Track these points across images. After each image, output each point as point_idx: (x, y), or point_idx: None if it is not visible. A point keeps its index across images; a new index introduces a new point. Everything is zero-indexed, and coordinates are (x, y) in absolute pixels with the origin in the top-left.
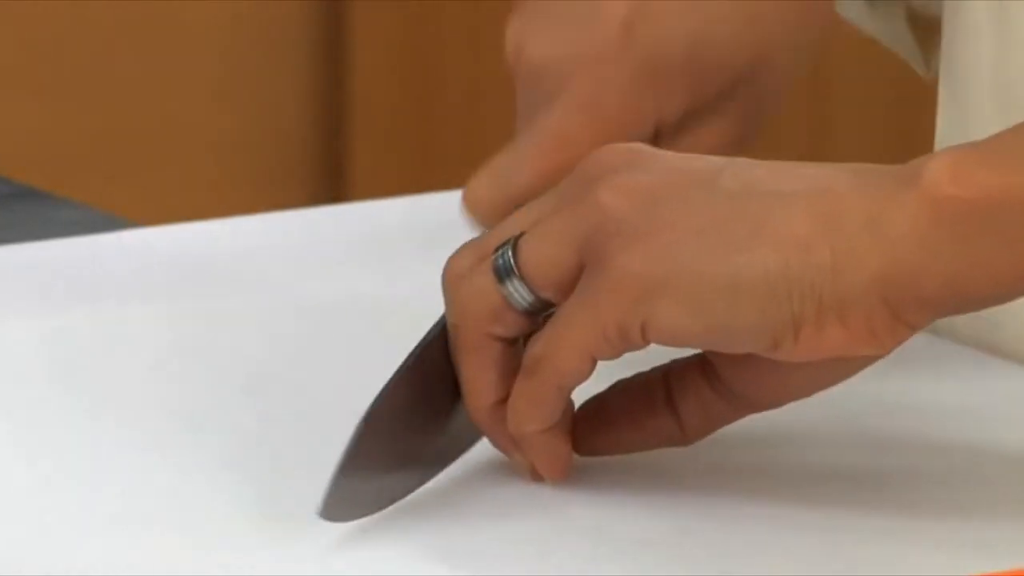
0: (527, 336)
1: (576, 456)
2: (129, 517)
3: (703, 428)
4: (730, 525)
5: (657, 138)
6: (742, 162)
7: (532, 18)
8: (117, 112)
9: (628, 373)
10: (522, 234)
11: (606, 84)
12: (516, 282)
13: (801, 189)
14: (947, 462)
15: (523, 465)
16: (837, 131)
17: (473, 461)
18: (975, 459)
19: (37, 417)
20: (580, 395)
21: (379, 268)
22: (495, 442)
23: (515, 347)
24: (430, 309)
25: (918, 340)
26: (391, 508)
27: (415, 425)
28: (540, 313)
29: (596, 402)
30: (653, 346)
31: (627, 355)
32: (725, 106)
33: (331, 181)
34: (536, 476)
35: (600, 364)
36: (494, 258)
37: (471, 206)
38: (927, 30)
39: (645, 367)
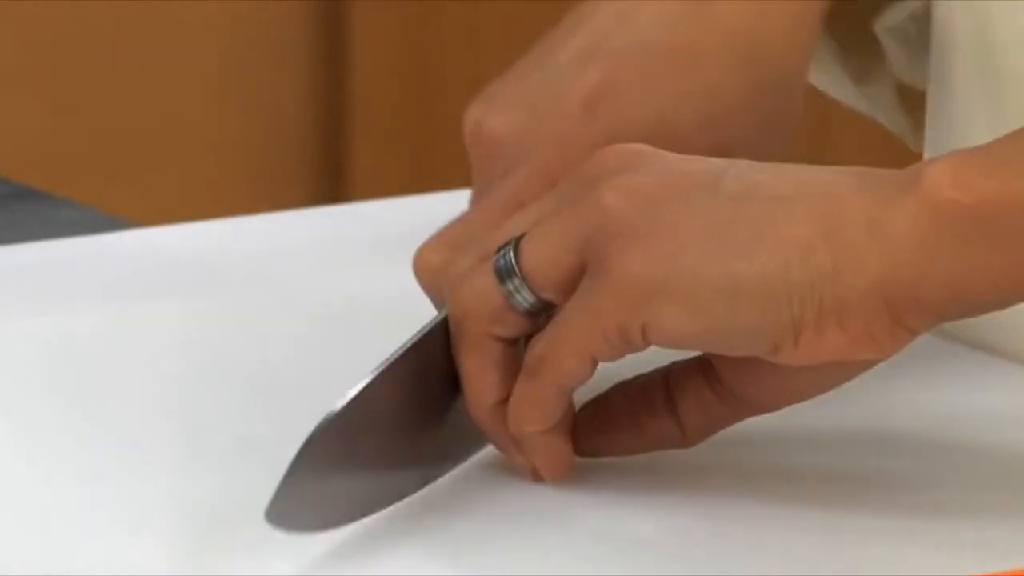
0: (528, 337)
1: (576, 457)
2: (129, 517)
3: (703, 430)
4: (730, 525)
5: None
6: (744, 164)
7: (492, 98)
8: (117, 112)
9: (629, 374)
10: (523, 235)
11: (566, 157)
12: (517, 283)
13: (802, 192)
14: (947, 462)
15: (524, 466)
16: (837, 133)
17: (473, 461)
18: (975, 459)
19: (37, 417)
20: (580, 396)
21: (379, 268)
22: (496, 442)
23: (516, 348)
24: (430, 309)
25: (918, 340)
26: (391, 508)
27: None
28: (541, 314)
29: (596, 403)
30: (654, 347)
31: (628, 356)
32: None
33: (331, 181)
34: (537, 477)
35: (600, 365)
36: (496, 259)
37: (422, 273)
38: (917, 101)
39: (646, 368)
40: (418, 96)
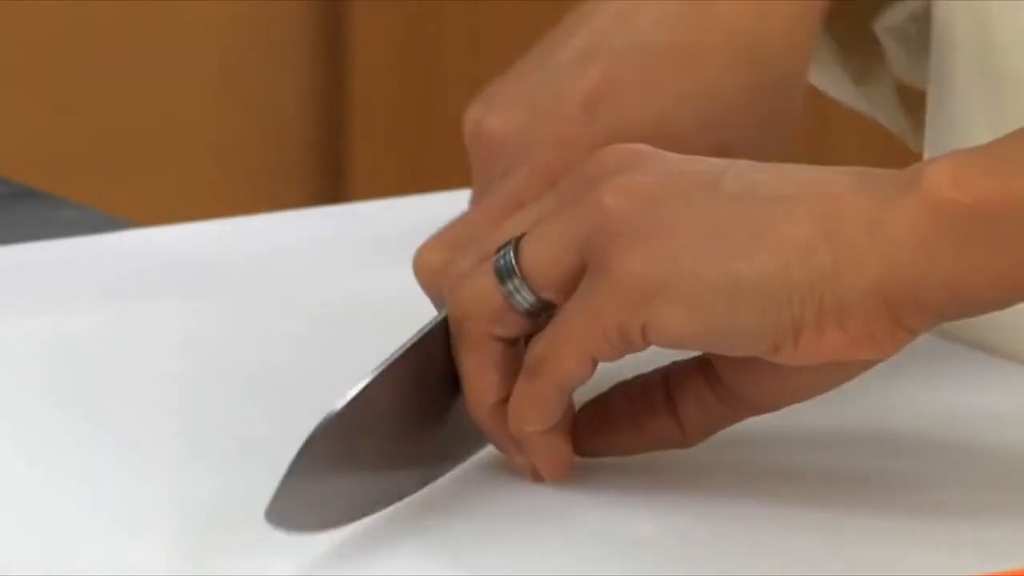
0: (528, 337)
1: (576, 457)
2: (129, 517)
3: (703, 430)
4: (730, 525)
5: None
6: (744, 164)
7: (492, 98)
8: (117, 112)
9: (629, 374)
10: (523, 235)
11: (566, 157)
12: (517, 283)
13: (802, 192)
14: (947, 462)
15: (524, 466)
16: (837, 133)
17: (473, 462)
18: (975, 459)
19: (37, 417)
20: (580, 396)
21: (379, 268)
22: (496, 442)
23: (516, 348)
24: (430, 309)
25: (918, 340)
26: (391, 508)
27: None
28: (542, 314)
29: (596, 403)
30: (654, 347)
31: (628, 356)
32: None
33: (331, 181)
34: (537, 477)
35: (600, 365)
36: (496, 259)
37: (422, 272)
38: (916, 101)
39: (646, 368)
40: (418, 96)
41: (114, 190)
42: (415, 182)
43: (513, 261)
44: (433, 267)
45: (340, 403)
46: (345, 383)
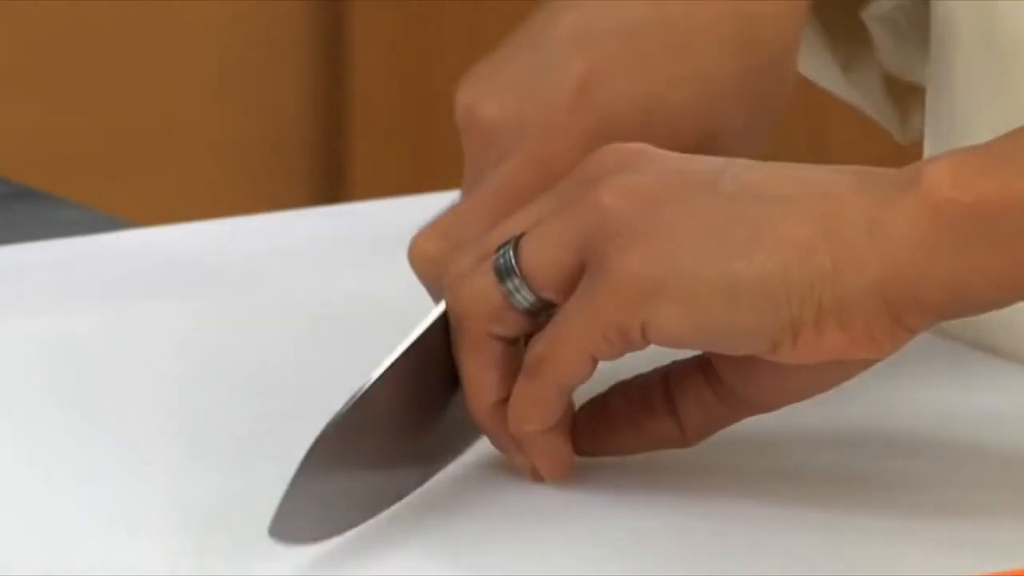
0: (528, 336)
1: (576, 457)
2: (128, 517)
3: (703, 429)
4: (730, 525)
5: None
6: (742, 164)
7: (483, 81)
8: (117, 112)
9: (629, 374)
10: (523, 234)
11: (558, 143)
12: (517, 282)
13: (801, 192)
14: (947, 462)
15: (524, 466)
16: (837, 133)
17: (473, 461)
18: (975, 459)
19: (37, 417)
20: (580, 396)
21: (379, 268)
22: (496, 442)
23: (516, 347)
24: (429, 309)
25: (918, 340)
26: (391, 508)
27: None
28: (541, 313)
29: (596, 403)
30: (654, 347)
31: (628, 356)
32: None
33: (331, 181)
34: (537, 476)
35: (600, 365)
36: (495, 258)
37: (417, 261)
38: (904, 93)
39: (646, 368)
40: (418, 96)
41: (114, 190)
42: (414, 182)
43: (513, 260)
44: (428, 256)
45: (339, 411)
46: (344, 383)
